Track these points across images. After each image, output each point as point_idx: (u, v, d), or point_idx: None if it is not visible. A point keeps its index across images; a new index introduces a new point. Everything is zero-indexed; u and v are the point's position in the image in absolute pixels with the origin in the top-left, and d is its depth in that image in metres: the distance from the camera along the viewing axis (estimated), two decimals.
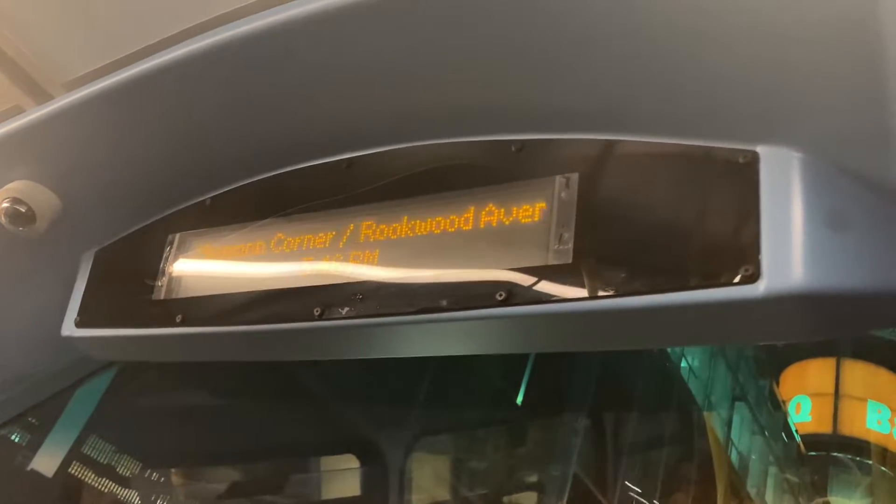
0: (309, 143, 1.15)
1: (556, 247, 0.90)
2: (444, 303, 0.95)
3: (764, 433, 9.73)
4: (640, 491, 5.67)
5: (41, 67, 1.12)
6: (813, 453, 10.23)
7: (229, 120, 1.13)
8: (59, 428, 2.67)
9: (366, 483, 3.61)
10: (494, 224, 0.96)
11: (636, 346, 1.04)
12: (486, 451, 4.77)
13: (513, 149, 1.00)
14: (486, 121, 1.01)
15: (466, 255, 0.97)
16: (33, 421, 2.62)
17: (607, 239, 0.88)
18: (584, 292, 0.86)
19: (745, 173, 0.81)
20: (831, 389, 10.45)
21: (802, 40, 0.73)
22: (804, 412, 10.64)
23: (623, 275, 0.84)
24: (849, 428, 10.16)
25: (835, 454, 10.09)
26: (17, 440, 2.63)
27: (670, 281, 0.81)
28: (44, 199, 1.23)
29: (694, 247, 0.82)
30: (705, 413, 7.40)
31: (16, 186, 1.21)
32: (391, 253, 1.03)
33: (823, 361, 10.64)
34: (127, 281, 1.32)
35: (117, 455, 3.06)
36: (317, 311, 1.05)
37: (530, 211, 0.94)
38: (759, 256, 0.77)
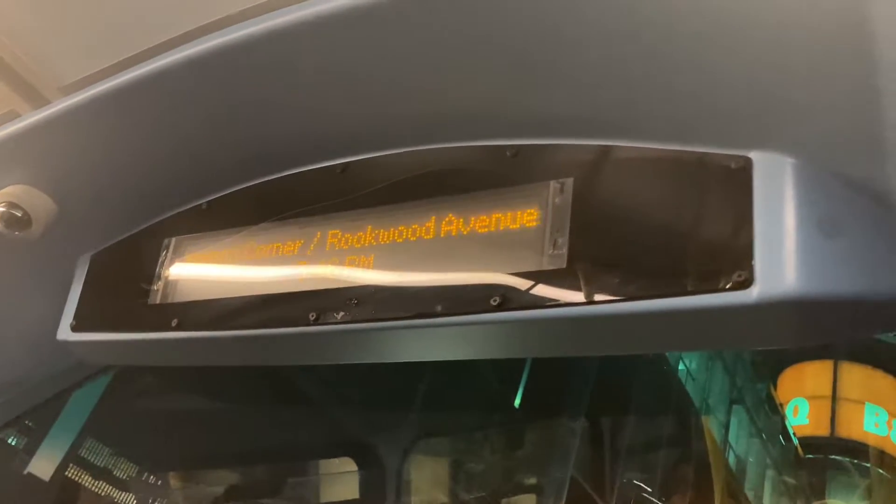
0: (304, 148, 1.15)
1: (550, 252, 0.90)
2: (439, 308, 0.95)
3: (761, 436, 9.74)
4: (650, 490, 5.68)
5: (37, 72, 1.12)
6: (811, 456, 10.23)
7: (225, 124, 1.13)
8: (55, 431, 2.66)
9: (363, 486, 3.60)
10: (489, 229, 0.96)
11: (630, 351, 1.04)
12: (484, 454, 4.76)
13: (508, 154, 1.00)
14: (482, 126, 1.01)
15: (461, 260, 0.97)
16: (30, 424, 2.62)
17: (601, 244, 0.88)
18: (577, 297, 0.86)
19: (738, 179, 0.82)
20: (829, 392, 10.45)
21: (796, 46, 0.73)
22: (802, 415, 10.63)
23: (617, 280, 0.85)
24: (846, 431, 10.16)
25: (832, 457, 10.09)
26: (13, 444, 2.62)
27: (663, 286, 0.82)
28: (40, 203, 1.23)
29: (687, 252, 0.82)
30: (703, 416, 7.40)
31: (12, 191, 1.21)
32: (386, 258, 1.03)
33: (821, 364, 10.64)
34: (123, 285, 1.32)
35: (114, 458, 3.05)
36: (312, 316, 1.05)
37: (525, 216, 0.94)
38: (752, 262, 0.77)
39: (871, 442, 9.84)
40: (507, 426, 4.81)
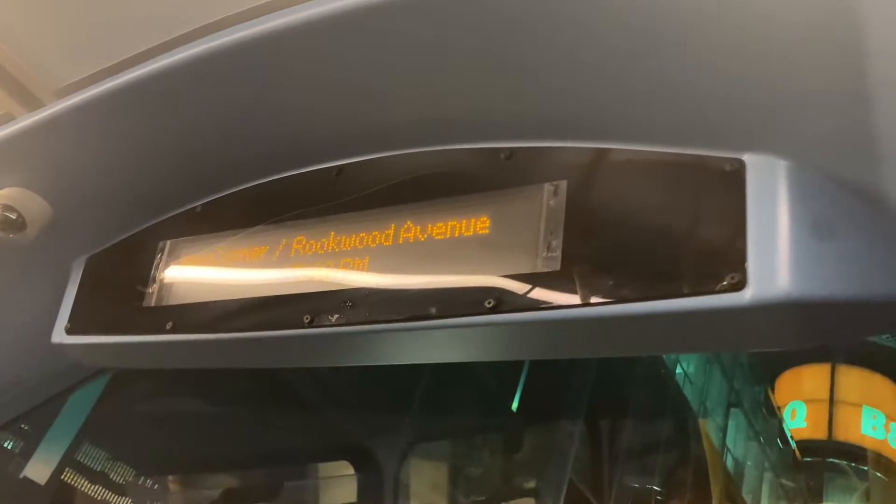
0: (299, 151, 1.15)
1: (544, 254, 0.90)
2: (434, 310, 0.95)
3: (759, 439, 9.75)
4: (647, 493, 5.68)
5: (32, 75, 1.12)
6: (808, 459, 10.25)
7: (220, 127, 1.13)
8: (52, 435, 2.65)
9: (361, 490, 3.59)
10: (483, 231, 0.96)
11: (625, 353, 1.04)
12: (482, 458, 4.77)
13: (502, 156, 1.00)
14: (476, 129, 1.01)
15: (455, 263, 0.97)
16: (26, 427, 2.61)
17: (595, 246, 0.88)
18: (572, 299, 0.86)
19: (731, 181, 0.82)
20: (826, 395, 10.46)
21: (788, 49, 0.73)
22: (799, 418, 10.64)
23: (611, 282, 0.85)
24: (844, 434, 10.17)
25: (830, 460, 10.10)
26: (9, 447, 2.61)
27: (657, 288, 0.82)
28: (34, 205, 1.23)
29: (681, 255, 0.82)
30: (700, 419, 7.41)
31: (6, 193, 1.21)
32: (380, 260, 1.03)
33: (818, 367, 10.66)
34: (118, 288, 1.32)
35: (111, 462, 3.05)
36: (306, 319, 1.05)
37: (519, 218, 0.94)
38: (746, 264, 0.77)
39: (868, 445, 9.86)
40: (504, 429, 4.82)
